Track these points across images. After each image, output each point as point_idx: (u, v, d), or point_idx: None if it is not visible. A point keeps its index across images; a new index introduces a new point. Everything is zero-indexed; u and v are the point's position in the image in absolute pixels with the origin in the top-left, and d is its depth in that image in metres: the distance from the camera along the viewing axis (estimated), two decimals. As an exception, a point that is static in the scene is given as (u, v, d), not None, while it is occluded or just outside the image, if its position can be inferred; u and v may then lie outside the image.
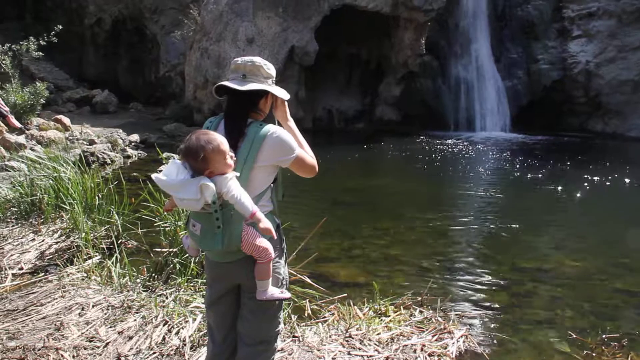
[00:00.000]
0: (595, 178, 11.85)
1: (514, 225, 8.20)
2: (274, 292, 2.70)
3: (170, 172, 2.50)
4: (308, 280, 4.85)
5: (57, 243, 5.64)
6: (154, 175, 2.51)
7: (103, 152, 12.95)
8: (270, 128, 2.66)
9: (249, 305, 2.77)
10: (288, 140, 2.69)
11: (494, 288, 5.82)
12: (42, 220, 6.19)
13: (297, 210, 8.19)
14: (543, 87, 20.56)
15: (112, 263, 5.08)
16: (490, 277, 6.13)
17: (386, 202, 10.03)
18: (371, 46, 20.72)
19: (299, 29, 18.19)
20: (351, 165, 14.24)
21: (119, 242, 5.73)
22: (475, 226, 8.32)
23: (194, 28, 19.87)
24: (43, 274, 5.10)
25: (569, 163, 13.95)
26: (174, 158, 2.64)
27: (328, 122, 20.75)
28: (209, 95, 18.65)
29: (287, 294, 2.83)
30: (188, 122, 18.96)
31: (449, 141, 17.33)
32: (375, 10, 18.63)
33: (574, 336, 4.61)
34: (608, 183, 11.48)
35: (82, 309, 4.26)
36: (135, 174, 10.71)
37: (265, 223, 2.53)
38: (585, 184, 11.54)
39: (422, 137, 17.85)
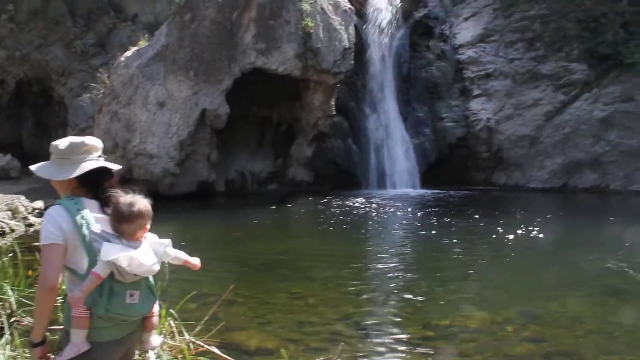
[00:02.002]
0: (501, 229, 12.16)
1: (425, 283, 8.29)
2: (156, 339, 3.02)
3: (120, 249, 2.59)
4: (217, 351, 4.68)
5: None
6: (127, 257, 2.56)
7: (2, 221, 12.25)
8: None
9: None
10: None
11: (405, 348, 5.80)
12: None
13: (205, 277, 7.93)
14: (449, 144, 21.43)
15: (2, 345, 4.69)
16: (402, 337, 6.12)
17: (298, 265, 9.88)
18: (282, 108, 20.93)
19: (210, 92, 18.19)
20: (263, 227, 14.00)
21: (11, 320, 5.33)
22: (388, 285, 8.34)
23: (103, 91, 19.53)
24: None
25: (476, 216, 14.33)
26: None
27: (241, 185, 20.60)
28: (119, 159, 18.14)
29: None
30: (96, 188, 18.20)
31: (361, 200, 17.53)
32: (286, 74, 18.94)
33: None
34: (512, 235, 11.77)
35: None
36: (36, 243, 10.17)
37: (194, 259, 2.94)
38: (492, 236, 11.85)
39: (334, 197, 17.95)
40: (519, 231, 12.06)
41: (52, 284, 2.59)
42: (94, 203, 2.80)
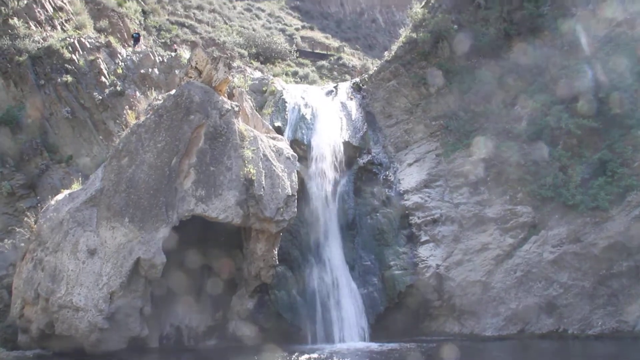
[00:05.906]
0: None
1: None
2: None
3: None
4: None
5: None
6: None
7: None
8: None
9: None
10: None
11: None
12: None
13: None
14: (398, 293, 20.50)
15: None
16: None
17: None
18: (222, 257, 20.02)
19: (145, 240, 17.15)
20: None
21: None
22: None
23: (27, 236, 18.39)
24: None
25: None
26: None
27: (177, 340, 19.04)
28: (40, 312, 16.62)
29: None
30: (9, 345, 16.93)
31: (307, 356, 16.22)
32: (227, 222, 18.19)
33: None
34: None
35: None
36: None
37: None
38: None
39: (278, 353, 16.63)
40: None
41: None
42: None
